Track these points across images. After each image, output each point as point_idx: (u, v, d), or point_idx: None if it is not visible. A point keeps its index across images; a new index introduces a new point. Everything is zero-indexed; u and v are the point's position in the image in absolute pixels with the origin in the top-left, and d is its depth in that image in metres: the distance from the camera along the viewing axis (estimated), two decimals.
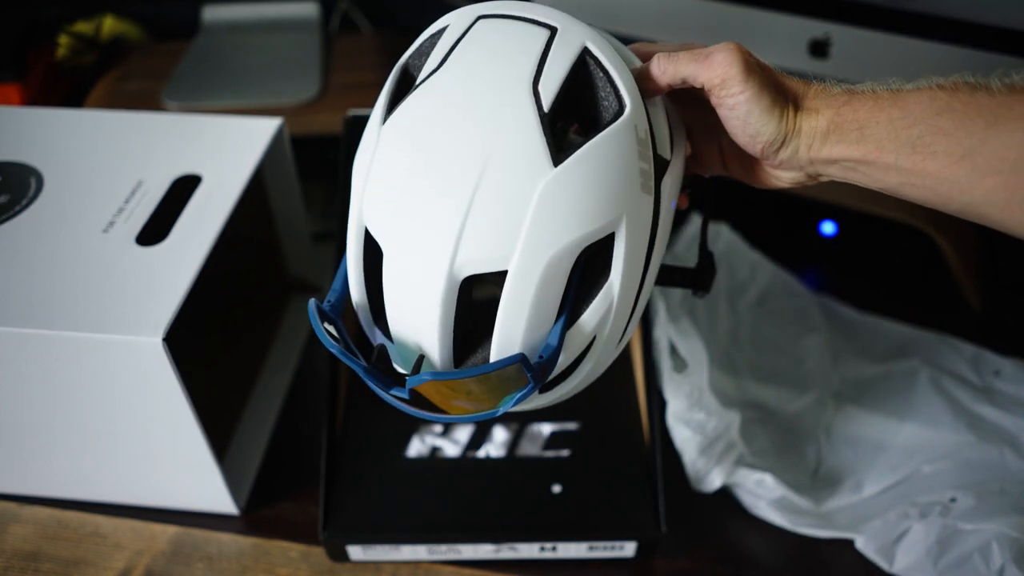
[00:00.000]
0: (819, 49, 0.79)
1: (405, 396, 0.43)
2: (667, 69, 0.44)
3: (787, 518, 0.68)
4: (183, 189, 0.66)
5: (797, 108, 0.44)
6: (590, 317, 0.44)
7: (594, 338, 0.45)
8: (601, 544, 0.64)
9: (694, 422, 0.70)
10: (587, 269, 0.44)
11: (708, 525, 0.69)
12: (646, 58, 0.46)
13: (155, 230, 0.62)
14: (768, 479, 0.68)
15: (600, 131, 0.42)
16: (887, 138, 0.42)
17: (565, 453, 0.69)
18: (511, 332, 0.42)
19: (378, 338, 0.48)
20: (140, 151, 0.70)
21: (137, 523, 0.68)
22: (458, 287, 0.42)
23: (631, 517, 0.65)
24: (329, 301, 0.47)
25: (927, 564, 0.63)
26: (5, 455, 0.67)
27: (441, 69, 0.44)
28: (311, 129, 0.93)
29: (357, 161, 0.46)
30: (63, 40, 1.09)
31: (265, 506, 0.70)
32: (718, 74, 0.43)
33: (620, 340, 0.48)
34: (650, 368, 0.71)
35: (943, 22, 0.73)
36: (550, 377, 0.45)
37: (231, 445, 0.73)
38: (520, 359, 0.41)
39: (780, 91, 0.44)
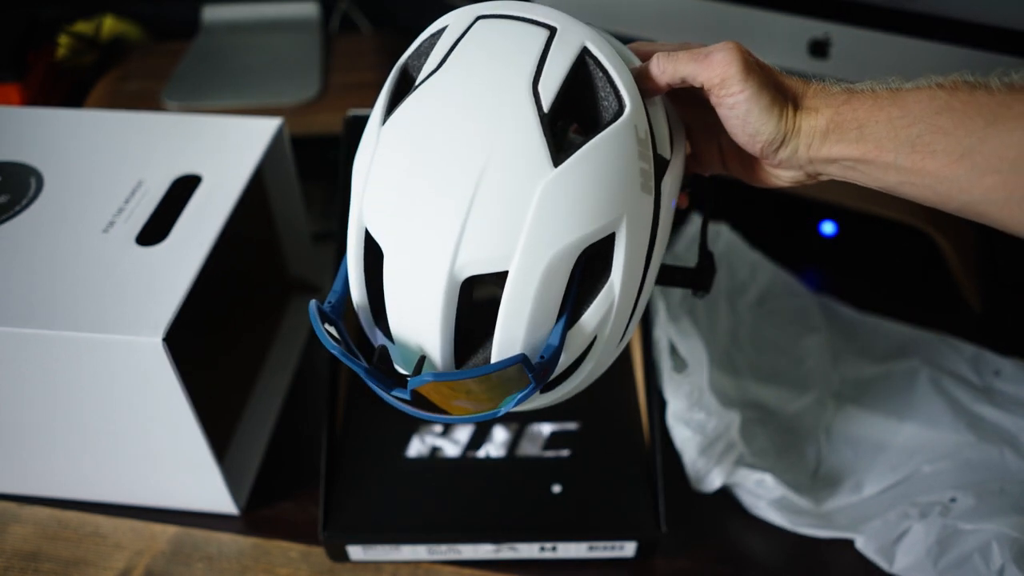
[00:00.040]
0: (819, 49, 0.79)
1: (406, 397, 0.43)
2: (666, 68, 0.44)
3: (787, 518, 0.68)
4: (183, 189, 0.66)
5: (796, 107, 0.44)
6: (591, 317, 0.44)
7: (595, 338, 0.45)
8: (601, 544, 0.64)
9: (694, 422, 0.70)
10: (588, 269, 0.44)
11: (708, 525, 0.69)
12: (645, 58, 0.46)
13: (155, 230, 0.62)
14: (768, 479, 0.68)
15: (600, 131, 0.42)
16: (886, 137, 0.42)
17: (565, 453, 0.69)
18: (512, 332, 0.42)
19: (379, 339, 0.48)
20: (140, 151, 0.70)
21: (137, 523, 0.68)
22: (459, 288, 0.42)
23: (631, 517, 0.65)
24: (330, 302, 0.47)
25: (927, 564, 0.63)
26: (5, 455, 0.67)
27: (440, 70, 0.44)
28: (311, 129, 0.93)
29: (357, 162, 0.46)
30: (63, 40, 1.09)
31: (265, 506, 0.70)
32: (717, 73, 0.43)
33: (621, 340, 0.48)
34: (650, 368, 0.71)
35: (943, 22, 0.73)
36: (551, 377, 0.45)
37: (231, 445, 0.73)
38: (521, 359, 0.41)
39: (779, 90, 0.44)
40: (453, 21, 0.46)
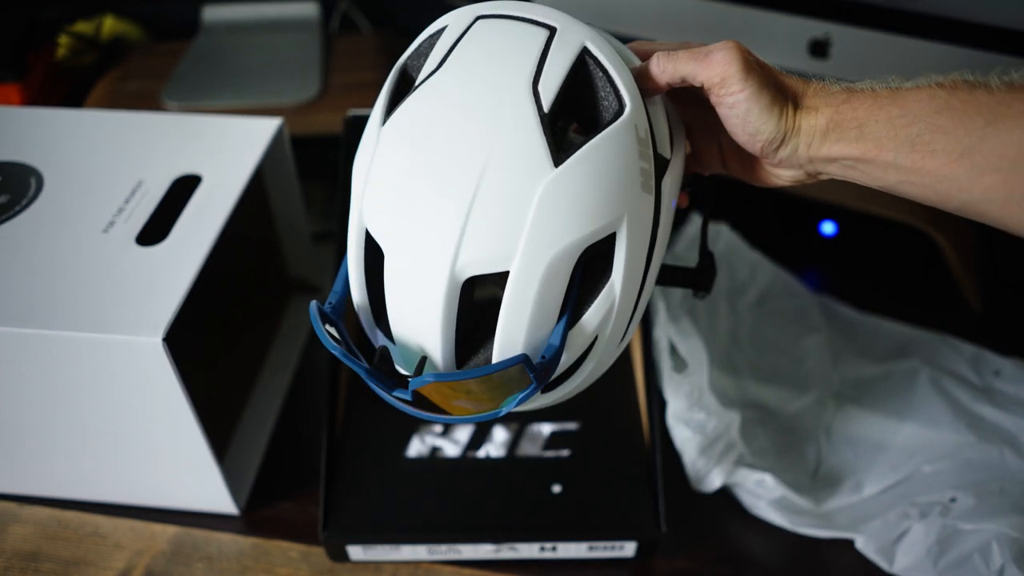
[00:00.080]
0: (819, 49, 0.79)
1: (408, 398, 0.43)
2: (666, 68, 0.44)
3: (787, 518, 0.68)
4: (183, 189, 0.66)
5: (796, 106, 0.44)
6: (592, 317, 0.44)
7: (596, 338, 0.45)
8: (601, 544, 0.64)
9: (694, 422, 0.70)
10: (588, 269, 0.44)
11: (708, 525, 0.69)
12: (645, 57, 0.46)
13: (155, 230, 0.62)
14: (768, 479, 0.67)
15: (600, 131, 0.42)
16: (886, 136, 0.42)
17: (565, 453, 0.69)
18: (513, 332, 0.42)
19: (380, 339, 0.47)
20: (140, 151, 0.70)
21: (137, 523, 0.68)
22: (460, 288, 0.42)
23: (631, 517, 0.65)
24: (330, 303, 0.47)
25: (927, 564, 0.63)
26: (5, 455, 0.67)
27: (440, 70, 0.44)
28: (311, 129, 0.93)
29: (357, 162, 0.46)
30: (63, 40, 1.09)
31: (265, 506, 0.70)
32: (717, 72, 0.43)
33: (622, 340, 0.48)
34: (650, 368, 0.71)
35: (943, 22, 0.73)
36: (552, 377, 0.45)
37: (231, 445, 0.73)
38: (523, 359, 0.41)
39: (779, 89, 0.44)
40: (453, 21, 0.46)
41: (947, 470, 0.71)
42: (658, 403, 0.71)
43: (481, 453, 0.69)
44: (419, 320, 0.43)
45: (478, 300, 0.45)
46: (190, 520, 0.68)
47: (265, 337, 0.82)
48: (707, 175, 0.54)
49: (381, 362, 0.44)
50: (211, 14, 1.12)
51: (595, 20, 0.46)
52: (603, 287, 0.44)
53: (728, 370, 0.80)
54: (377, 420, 0.70)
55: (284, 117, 0.74)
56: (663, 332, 0.76)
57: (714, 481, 0.69)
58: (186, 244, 0.61)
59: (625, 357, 0.74)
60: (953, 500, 0.66)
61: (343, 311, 0.48)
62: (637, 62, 0.46)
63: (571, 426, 0.70)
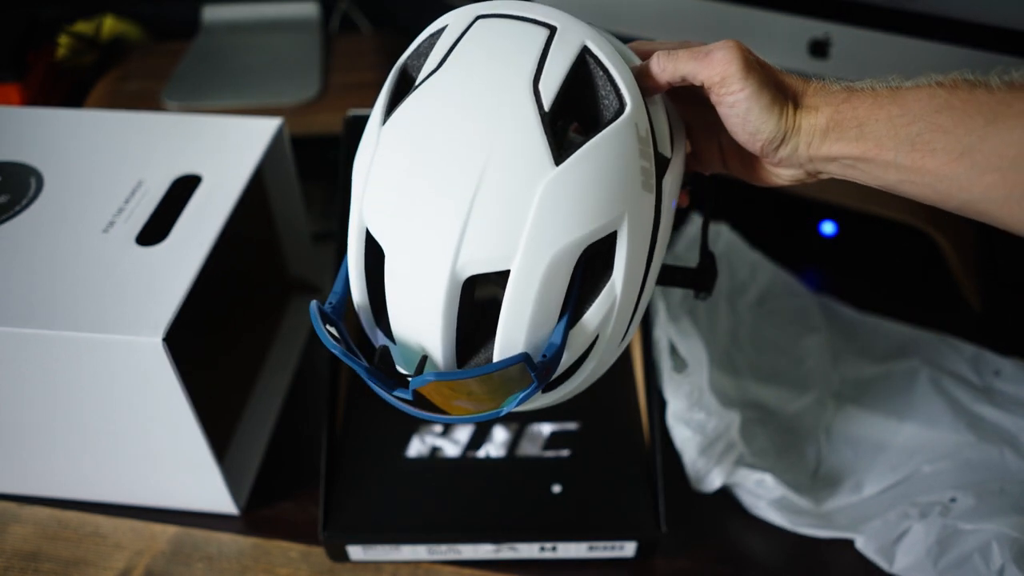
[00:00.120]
0: (819, 49, 0.79)
1: (408, 397, 0.43)
2: (667, 67, 0.44)
3: (787, 518, 0.68)
4: (183, 189, 0.66)
5: (796, 106, 0.44)
6: (593, 316, 0.44)
7: (597, 337, 0.45)
8: (601, 544, 0.64)
9: (694, 422, 0.70)
10: (589, 268, 0.44)
11: (708, 525, 0.69)
12: (645, 56, 0.46)
13: (155, 230, 0.62)
14: (768, 479, 0.67)
15: (601, 130, 0.42)
16: (886, 135, 0.42)
17: (565, 453, 0.69)
18: (514, 332, 0.42)
19: (380, 339, 0.47)
20: (140, 151, 0.70)
21: (137, 523, 0.68)
22: (460, 287, 0.42)
23: (631, 517, 0.65)
24: (330, 303, 0.47)
25: (927, 564, 0.63)
26: (5, 455, 0.67)
27: (440, 69, 0.44)
28: (311, 129, 0.93)
29: (357, 162, 0.46)
30: (63, 40, 1.09)
31: (265, 506, 0.70)
32: (718, 72, 0.43)
33: (622, 339, 0.48)
34: (650, 368, 0.71)
35: (943, 22, 0.73)
36: (553, 377, 0.45)
37: (231, 445, 0.73)
38: (524, 358, 0.41)
39: (779, 89, 0.44)
40: (453, 21, 0.46)
41: (947, 470, 0.71)
42: (658, 403, 0.71)
43: (481, 453, 0.69)
44: (420, 319, 0.43)
45: (479, 300, 0.45)
46: (190, 520, 0.68)
47: (265, 337, 0.82)
48: (707, 175, 0.54)
49: (381, 362, 0.44)
50: (211, 14, 1.12)
51: (595, 20, 0.46)
52: (604, 286, 0.44)
53: (728, 370, 0.80)
54: (377, 420, 0.70)
55: (284, 117, 0.74)
56: (663, 332, 0.76)
57: (714, 481, 0.69)
58: (186, 244, 0.61)
59: (625, 357, 0.74)
60: (953, 500, 0.66)
61: (343, 311, 0.48)
62: (637, 61, 0.46)
63: (571, 426, 0.70)
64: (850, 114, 0.43)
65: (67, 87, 1.09)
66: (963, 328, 0.84)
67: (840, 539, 0.67)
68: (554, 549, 0.65)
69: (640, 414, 0.71)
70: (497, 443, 0.69)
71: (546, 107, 0.41)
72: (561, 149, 0.41)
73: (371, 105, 0.47)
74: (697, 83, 0.44)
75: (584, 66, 0.44)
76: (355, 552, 0.65)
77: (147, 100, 0.99)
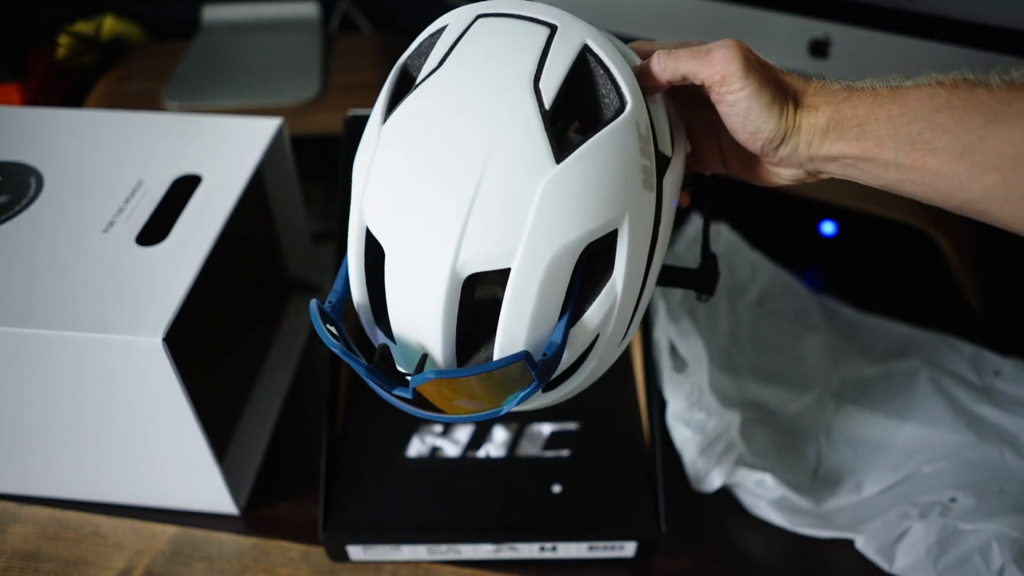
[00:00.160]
0: (819, 49, 0.79)
1: (408, 396, 0.43)
2: (667, 66, 0.44)
3: (787, 518, 0.68)
4: (183, 189, 0.66)
5: (797, 105, 0.44)
6: (593, 315, 0.44)
7: (597, 336, 0.45)
8: (601, 544, 0.64)
9: (694, 422, 0.70)
10: (590, 267, 0.44)
11: (708, 525, 0.69)
12: (646, 56, 0.46)
13: (155, 230, 0.62)
14: (768, 479, 0.67)
15: (601, 128, 0.42)
16: (886, 135, 0.42)
17: (565, 453, 0.69)
18: (514, 330, 0.42)
19: (380, 338, 0.47)
20: (140, 151, 0.70)
21: (137, 523, 0.68)
22: (461, 285, 0.42)
23: (631, 517, 0.65)
24: (330, 302, 0.47)
25: (927, 564, 0.63)
26: (5, 455, 0.67)
27: (441, 68, 0.44)
28: (311, 129, 0.93)
29: (357, 161, 0.46)
30: (63, 40, 1.10)
31: (265, 506, 0.70)
32: (718, 71, 0.43)
33: (623, 339, 0.48)
34: (650, 368, 0.71)
35: (943, 22, 0.73)
36: (553, 376, 0.45)
37: (231, 445, 0.73)
38: (524, 357, 0.41)
39: (780, 88, 0.44)
40: (453, 20, 0.46)
41: (947, 470, 0.71)
42: (658, 403, 0.71)
43: (481, 453, 0.69)
44: (420, 318, 0.43)
45: (479, 300, 0.45)
46: (190, 520, 0.68)
47: (265, 337, 0.82)
48: (708, 175, 0.54)
49: (381, 360, 0.44)
50: (211, 14, 1.12)
51: (595, 20, 0.46)
52: (605, 285, 0.44)
53: (728, 370, 0.80)
54: (377, 420, 0.70)
55: (284, 117, 0.74)
56: (663, 332, 0.76)
57: (714, 481, 0.69)
58: (186, 244, 0.61)
59: (625, 357, 0.74)
60: (953, 500, 0.66)
61: (343, 310, 0.48)
62: (638, 61, 0.46)
63: (571, 426, 0.70)
64: (850, 113, 0.43)
65: (67, 87, 1.09)
66: (963, 328, 0.84)
67: (840, 539, 0.67)
68: (554, 549, 0.65)
69: (640, 414, 0.71)
70: (497, 443, 0.69)
71: (547, 105, 0.41)
72: (562, 148, 0.41)
73: (371, 105, 0.47)
74: (697, 82, 0.44)
75: (585, 65, 0.44)
76: (355, 552, 0.65)
77: (147, 100, 0.99)
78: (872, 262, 0.94)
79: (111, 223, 0.63)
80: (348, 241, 0.47)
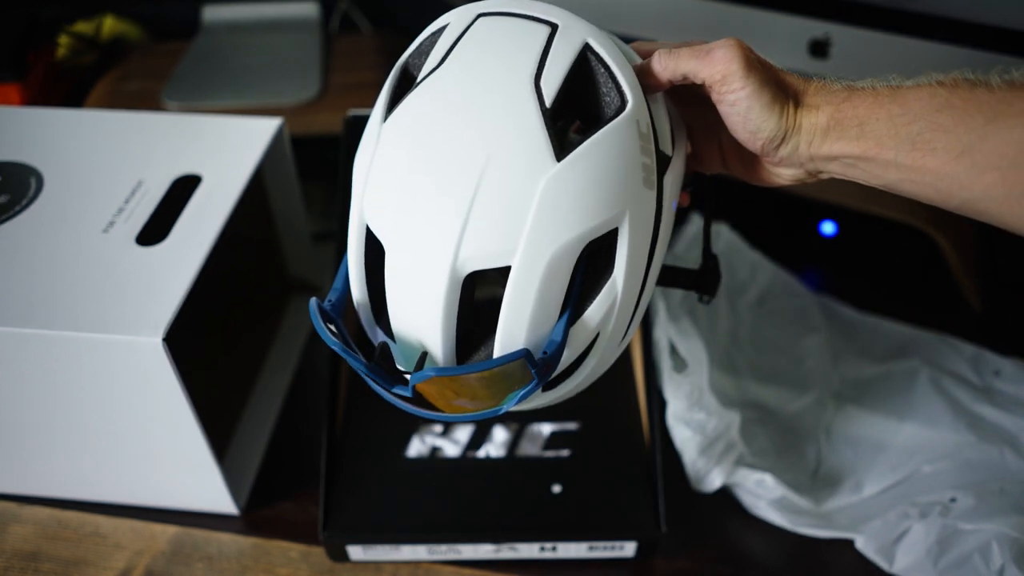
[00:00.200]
0: (819, 49, 0.79)
1: (408, 394, 0.43)
2: (668, 65, 0.44)
3: (787, 518, 0.68)
4: (183, 189, 0.66)
5: (797, 104, 0.44)
6: (594, 313, 0.44)
7: (597, 335, 0.45)
8: (601, 544, 0.64)
9: (694, 422, 0.70)
10: (590, 265, 0.44)
11: (708, 525, 0.69)
12: (647, 56, 0.46)
13: (155, 230, 0.62)
14: (768, 479, 0.67)
15: (602, 126, 0.42)
16: (887, 134, 0.42)
17: (565, 453, 0.69)
18: (515, 328, 0.42)
19: (379, 337, 0.47)
20: (140, 151, 0.70)
21: (137, 523, 0.68)
22: (461, 283, 0.42)
23: (631, 517, 0.65)
24: (330, 300, 0.47)
25: (927, 564, 0.63)
26: (5, 455, 0.67)
27: (441, 67, 0.44)
28: (311, 129, 0.93)
29: (358, 160, 0.46)
30: (63, 40, 1.09)
31: (265, 506, 0.70)
32: (719, 70, 0.43)
33: (623, 338, 0.48)
34: (650, 368, 0.71)
35: (943, 22, 0.73)
36: (554, 374, 0.45)
37: (231, 445, 0.73)
38: (524, 354, 0.41)
39: (780, 87, 0.44)
40: (454, 19, 0.46)
41: (947, 470, 0.71)
42: (658, 403, 0.71)
43: (481, 453, 0.69)
44: (420, 316, 0.43)
45: (479, 300, 0.45)
46: (190, 520, 0.68)
47: (265, 337, 0.82)
48: (708, 175, 0.54)
49: (381, 358, 0.44)
50: (211, 14, 1.12)
51: (595, 20, 0.46)
52: (605, 283, 0.44)
53: (728, 370, 0.80)
54: (377, 420, 0.70)
55: (284, 117, 0.74)
56: (663, 332, 0.76)
57: (714, 481, 0.69)
58: (186, 244, 0.61)
59: (625, 357, 0.74)
60: (953, 500, 0.66)
61: (343, 310, 0.48)
62: (639, 60, 0.46)
63: (571, 426, 0.70)
64: (851, 113, 0.43)
65: (67, 87, 1.09)
66: (963, 328, 0.84)
67: (840, 539, 0.67)
68: (554, 549, 0.65)
69: (640, 414, 0.71)
70: (497, 443, 0.69)
71: (547, 104, 0.42)
72: (562, 146, 0.41)
73: (371, 105, 0.47)
74: (698, 81, 0.44)
75: (586, 63, 0.44)
76: (355, 552, 0.65)
77: (147, 100, 0.99)
78: (872, 262, 0.94)
79: (111, 223, 0.63)
80: (348, 239, 0.47)
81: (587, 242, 0.42)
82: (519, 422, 0.70)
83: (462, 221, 0.41)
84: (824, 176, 0.47)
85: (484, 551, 0.65)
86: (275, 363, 0.80)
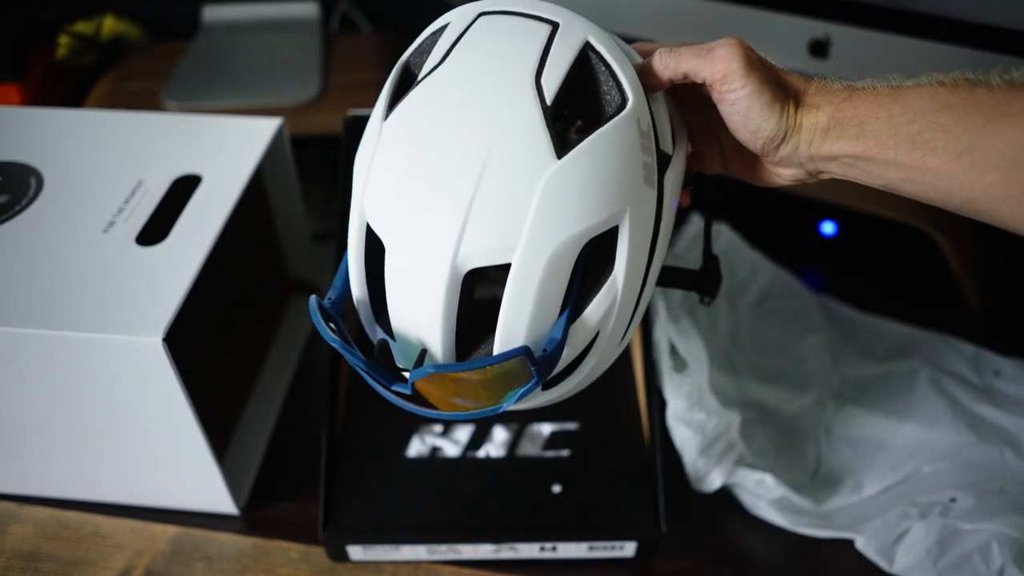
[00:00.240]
0: (819, 49, 0.79)
1: (407, 391, 0.43)
2: (669, 64, 0.44)
3: (787, 518, 0.68)
4: (183, 189, 0.66)
5: (798, 104, 0.44)
6: (594, 311, 0.44)
7: (597, 333, 0.45)
8: (601, 544, 0.64)
9: (694, 422, 0.70)
10: (590, 263, 0.44)
11: (708, 525, 0.69)
12: (647, 56, 0.46)
13: (155, 230, 0.62)
14: (768, 479, 0.67)
15: (603, 124, 0.42)
16: (887, 134, 0.42)
17: (565, 453, 0.69)
18: (515, 326, 0.42)
19: (379, 335, 0.47)
20: (140, 151, 0.70)
21: (137, 523, 0.68)
22: (461, 280, 0.42)
23: (631, 517, 0.65)
24: (330, 298, 0.47)
25: (927, 564, 0.63)
26: (5, 455, 0.67)
27: (442, 65, 0.44)
28: (311, 129, 0.93)
29: (358, 159, 0.46)
30: (63, 40, 1.09)
31: (265, 506, 0.70)
32: (720, 69, 0.43)
33: (623, 337, 0.48)
34: (650, 368, 0.71)
35: (943, 22, 0.73)
36: (554, 372, 0.45)
37: (231, 445, 0.73)
38: (524, 351, 0.41)
39: (781, 87, 0.44)
40: (455, 18, 0.46)
41: (947, 470, 0.71)
42: (658, 403, 0.71)
43: (481, 453, 0.69)
44: (420, 313, 0.43)
45: (479, 300, 0.45)
46: (190, 520, 0.68)
47: (265, 337, 0.82)
48: (709, 175, 0.54)
49: (380, 356, 0.44)
50: (211, 14, 1.12)
51: (595, 21, 0.46)
52: (605, 281, 0.44)
53: (728, 370, 0.80)
54: (377, 420, 0.70)
55: (284, 117, 0.74)
56: (663, 332, 0.76)
57: (714, 481, 0.69)
58: (186, 244, 0.61)
59: (625, 357, 0.74)
60: (953, 500, 0.66)
61: (342, 308, 0.48)
62: (639, 60, 0.46)
63: (571, 426, 0.70)
64: (851, 112, 0.43)
65: (67, 87, 1.09)
66: (963, 328, 0.84)
67: (840, 539, 0.67)
68: (554, 549, 0.65)
69: (640, 414, 0.71)
70: (497, 443, 0.69)
71: (548, 101, 0.42)
72: (563, 144, 0.41)
73: (371, 105, 0.47)
74: (699, 80, 0.44)
75: (586, 61, 0.44)
76: (355, 552, 0.65)
77: (147, 100, 0.99)
78: (872, 262, 0.94)
79: (111, 223, 0.63)
80: (348, 237, 0.47)
81: (587, 239, 0.42)
82: (519, 422, 0.70)
83: (463, 218, 0.41)
84: (824, 176, 0.47)
85: (484, 551, 0.65)
86: (275, 363, 0.80)
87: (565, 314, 0.43)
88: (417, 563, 0.65)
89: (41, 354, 0.57)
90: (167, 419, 0.60)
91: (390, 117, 0.44)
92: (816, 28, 0.78)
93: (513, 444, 0.69)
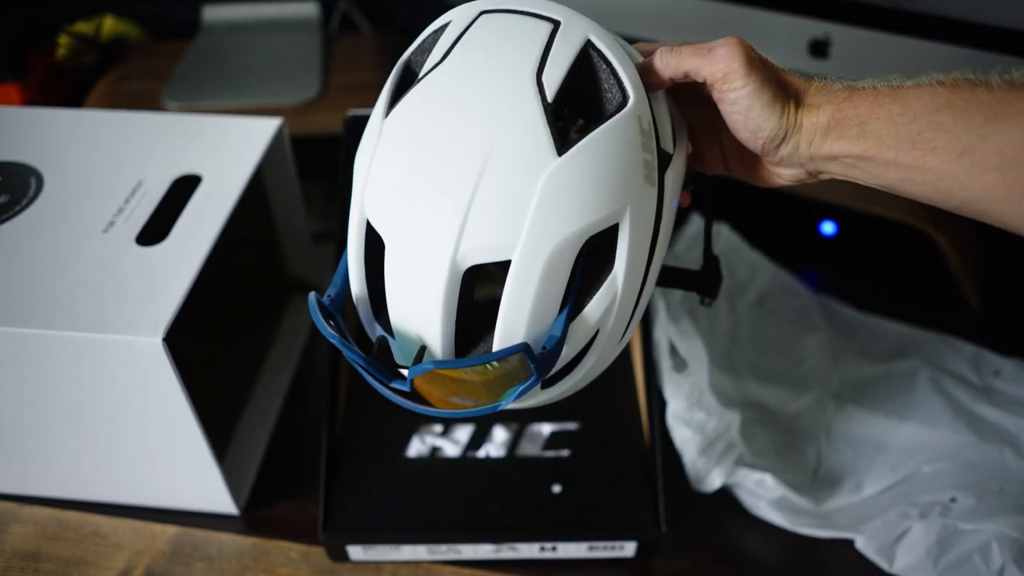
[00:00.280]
0: (819, 49, 0.79)
1: (406, 388, 0.43)
2: (669, 62, 0.44)
3: (787, 518, 0.68)
4: (183, 189, 0.66)
5: (798, 104, 0.44)
6: (594, 309, 0.44)
7: (597, 331, 0.45)
8: (601, 544, 0.64)
9: (694, 422, 0.70)
10: (590, 261, 0.44)
11: (708, 525, 0.69)
12: (648, 55, 0.46)
13: (155, 230, 0.62)
14: (768, 479, 0.67)
15: (604, 122, 0.42)
16: (887, 134, 0.42)
17: (565, 453, 0.69)
18: (514, 323, 0.42)
19: (378, 332, 0.47)
20: (140, 151, 0.70)
21: (137, 523, 0.68)
22: (461, 277, 0.42)
23: (631, 517, 0.65)
24: (329, 296, 0.47)
25: (927, 564, 0.63)
26: (5, 455, 0.67)
27: (444, 63, 0.44)
28: (311, 129, 0.93)
29: (359, 156, 0.46)
30: (63, 40, 1.10)
31: (265, 506, 0.70)
32: (720, 68, 0.43)
33: (623, 335, 0.48)
34: (650, 368, 0.71)
35: (943, 22, 0.73)
36: (553, 371, 0.45)
37: (231, 445, 0.73)
38: (524, 348, 0.41)
39: (781, 86, 0.44)
40: (456, 16, 0.46)
41: (947, 470, 0.71)
42: (658, 403, 0.71)
43: (481, 453, 0.69)
44: (419, 310, 0.43)
45: (479, 300, 0.45)
46: (190, 520, 0.68)
47: (265, 337, 0.82)
48: (709, 175, 0.54)
49: (380, 352, 0.44)
50: (211, 14, 1.12)
51: (596, 20, 0.46)
52: (605, 279, 0.44)
53: (728, 370, 0.80)
54: (377, 420, 0.70)
55: (284, 117, 0.74)
56: (663, 332, 0.76)
57: (714, 481, 0.69)
58: (186, 244, 0.61)
59: (625, 357, 0.74)
60: (953, 500, 0.66)
61: (342, 306, 0.48)
62: (640, 59, 0.46)
63: (571, 426, 0.70)
64: (851, 112, 0.43)
65: (67, 87, 1.09)
66: (963, 328, 0.84)
67: (840, 539, 0.67)
68: (554, 549, 0.65)
69: (640, 414, 0.71)
70: (497, 443, 0.69)
71: (549, 99, 0.42)
72: (564, 141, 0.41)
73: (371, 105, 0.47)
74: (699, 79, 0.44)
75: (587, 59, 0.44)
76: (355, 552, 0.65)
77: (147, 100, 0.99)
78: (872, 262, 0.94)
79: (111, 223, 0.63)
80: (348, 234, 0.47)
81: (588, 237, 0.42)
82: (519, 422, 0.70)
83: (463, 215, 0.41)
84: (824, 176, 0.47)
85: (484, 551, 0.65)
86: (275, 363, 0.80)
87: (565, 312, 0.43)
88: (417, 563, 0.65)
89: (41, 354, 0.57)
90: (167, 419, 0.60)
91: (391, 115, 0.44)
92: (816, 28, 0.78)
93: (513, 444, 0.69)
